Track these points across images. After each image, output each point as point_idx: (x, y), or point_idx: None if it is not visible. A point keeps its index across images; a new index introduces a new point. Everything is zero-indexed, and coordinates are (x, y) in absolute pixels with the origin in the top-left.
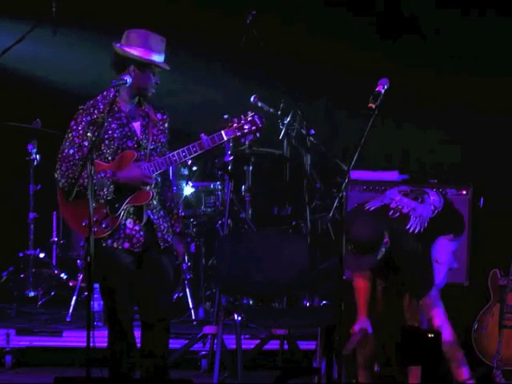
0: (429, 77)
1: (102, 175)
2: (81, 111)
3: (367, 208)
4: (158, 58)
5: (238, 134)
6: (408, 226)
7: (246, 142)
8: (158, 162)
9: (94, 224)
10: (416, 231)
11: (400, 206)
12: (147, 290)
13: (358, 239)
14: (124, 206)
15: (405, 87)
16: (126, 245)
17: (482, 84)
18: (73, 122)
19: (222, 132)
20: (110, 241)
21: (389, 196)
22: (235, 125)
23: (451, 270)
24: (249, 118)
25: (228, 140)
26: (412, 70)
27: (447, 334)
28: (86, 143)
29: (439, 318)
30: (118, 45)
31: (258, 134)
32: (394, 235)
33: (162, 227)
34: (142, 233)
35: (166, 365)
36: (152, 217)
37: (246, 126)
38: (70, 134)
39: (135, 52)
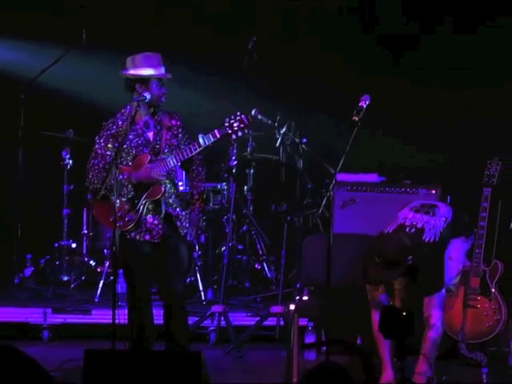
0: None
1: (120, 177)
2: (103, 127)
3: (386, 232)
4: (155, 71)
5: (229, 131)
6: (423, 238)
7: (234, 137)
8: (166, 160)
9: (119, 219)
10: (431, 241)
11: (414, 222)
12: (167, 273)
13: (386, 253)
14: (142, 202)
15: (383, 100)
16: (147, 237)
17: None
18: (97, 137)
19: (216, 130)
20: (133, 234)
21: (402, 216)
22: (226, 124)
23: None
24: (237, 117)
25: (222, 137)
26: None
27: (435, 333)
28: (108, 153)
29: (436, 318)
30: (123, 71)
31: (246, 131)
32: (412, 248)
33: (181, 216)
34: (160, 226)
35: (185, 339)
36: (170, 211)
37: (235, 124)
38: (94, 147)
39: (134, 72)
